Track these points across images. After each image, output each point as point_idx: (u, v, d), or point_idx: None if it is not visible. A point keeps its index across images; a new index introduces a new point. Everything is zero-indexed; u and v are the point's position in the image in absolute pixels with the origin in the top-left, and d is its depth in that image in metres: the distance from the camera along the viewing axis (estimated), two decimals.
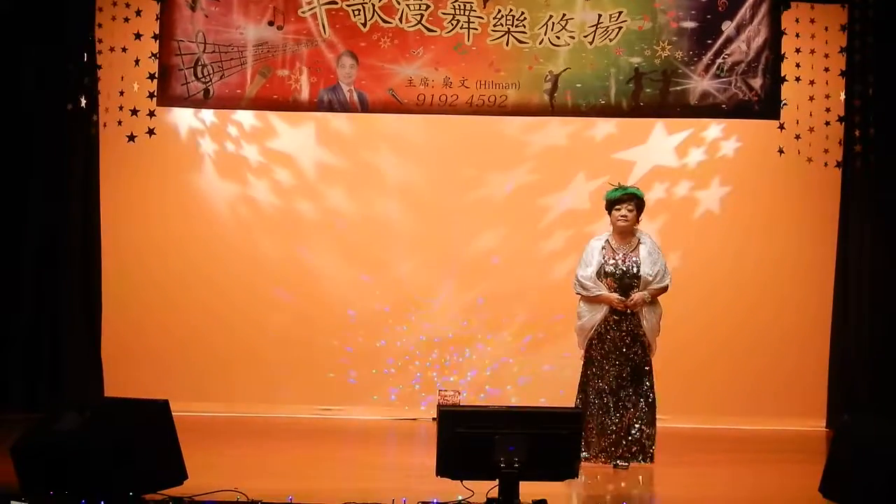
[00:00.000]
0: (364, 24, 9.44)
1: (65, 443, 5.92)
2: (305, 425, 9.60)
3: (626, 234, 7.66)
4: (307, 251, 10.22)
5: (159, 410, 6.13)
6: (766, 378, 9.90)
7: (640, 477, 7.40)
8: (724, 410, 9.89)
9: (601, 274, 7.59)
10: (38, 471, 5.95)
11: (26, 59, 9.53)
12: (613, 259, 7.61)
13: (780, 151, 9.66)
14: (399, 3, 9.41)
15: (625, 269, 7.58)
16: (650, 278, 7.54)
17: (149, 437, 6.04)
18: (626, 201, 7.63)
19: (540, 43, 9.41)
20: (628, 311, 7.54)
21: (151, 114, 9.72)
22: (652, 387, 7.60)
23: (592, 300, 7.61)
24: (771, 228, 10.04)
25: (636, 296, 7.52)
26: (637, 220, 7.71)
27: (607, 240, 7.69)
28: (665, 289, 7.62)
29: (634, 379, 7.57)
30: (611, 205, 7.67)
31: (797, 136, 9.68)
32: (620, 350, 7.58)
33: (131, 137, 9.71)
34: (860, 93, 9.57)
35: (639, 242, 7.66)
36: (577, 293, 7.68)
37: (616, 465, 7.45)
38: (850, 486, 6.02)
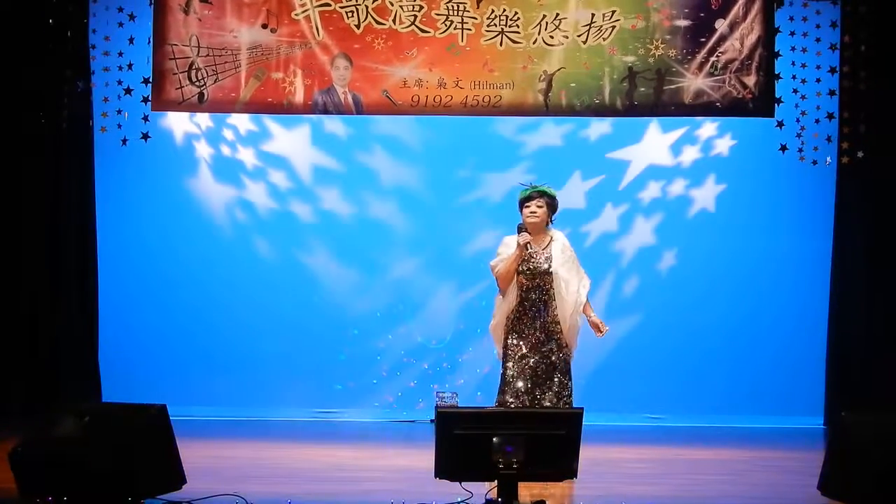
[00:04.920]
0: (358, 26, 9.44)
1: (63, 448, 5.92)
2: (303, 428, 9.61)
3: (538, 231, 7.58)
4: (303, 254, 10.23)
5: (157, 415, 6.13)
6: (764, 376, 9.92)
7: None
8: (721, 408, 9.90)
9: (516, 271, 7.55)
10: (36, 476, 5.95)
11: (21, 65, 9.54)
12: (526, 257, 7.52)
13: (781, 148, 9.64)
14: (392, 5, 9.40)
15: (536, 266, 7.52)
16: (564, 283, 7.45)
17: (147, 441, 6.04)
18: (535, 198, 7.56)
19: (534, 43, 9.41)
20: (528, 246, 7.46)
21: (146, 118, 9.70)
22: (567, 386, 7.50)
23: (506, 272, 7.48)
24: (766, 226, 10.04)
25: (600, 324, 7.51)
26: (549, 219, 7.64)
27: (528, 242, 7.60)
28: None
29: (548, 377, 7.49)
30: (521, 205, 7.61)
31: (792, 134, 9.67)
32: (535, 347, 7.51)
33: (126, 142, 9.70)
34: (853, 89, 9.58)
35: (551, 240, 7.59)
36: (495, 279, 7.59)
37: None
38: (849, 484, 6.03)
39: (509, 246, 7.56)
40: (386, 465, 7.91)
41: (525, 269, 7.52)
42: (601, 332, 7.56)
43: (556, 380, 7.49)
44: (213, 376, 10.04)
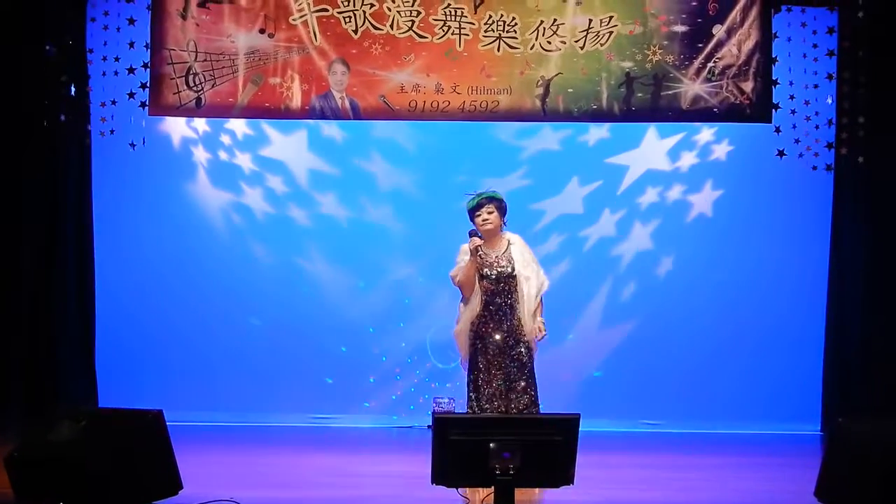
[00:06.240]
0: (355, 31, 9.42)
1: (60, 453, 5.91)
2: (300, 434, 9.60)
3: (493, 236, 7.60)
4: (300, 259, 10.23)
5: (154, 420, 6.13)
6: (761, 382, 9.92)
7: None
8: (718, 414, 9.90)
9: (478, 277, 7.53)
10: (33, 481, 5.95)
11: (18, 69, 9.54)
12: (487, 262, 7.54)
13: (779, 153, 9.62)
14: (390, 10, 9.39)
15: (500, 271, 7.52)
16: (526, 282, 7.48)
17: (143, 447, 6.04)
18: (484, 205, 7.58)
19: (531, 48, 9.40)
20: (478, 247, 7.44)
21: (144, 123, 9.68)
22: (535, 393, 7.52)
23: (466, 278, 7.49)
24: (764, 231, 10.05)
25: (541, 326, 7.45)
26: (502, 222, 7.64)
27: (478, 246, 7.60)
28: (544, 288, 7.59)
29: (521, 378, 7.50)
30: (471, 213, 7.61)
31: (789, 140, 9.66)
32: (504, 352, 7.51)
33: (123, 147, 9.68)
34: (850, 95, 9.57)
35: (509, 243, 7.61)
36: (458, 288, 7.58)
37: None
38: (845, 490, 6.03)
39: (466, 254, 7.56)
40: (382, 470, 7.91)
41: (489, 274, 7.52)
42: (538, 335, 7.51)
43: (523, 384, 7.51)
44: (210, 381, 10.03)
